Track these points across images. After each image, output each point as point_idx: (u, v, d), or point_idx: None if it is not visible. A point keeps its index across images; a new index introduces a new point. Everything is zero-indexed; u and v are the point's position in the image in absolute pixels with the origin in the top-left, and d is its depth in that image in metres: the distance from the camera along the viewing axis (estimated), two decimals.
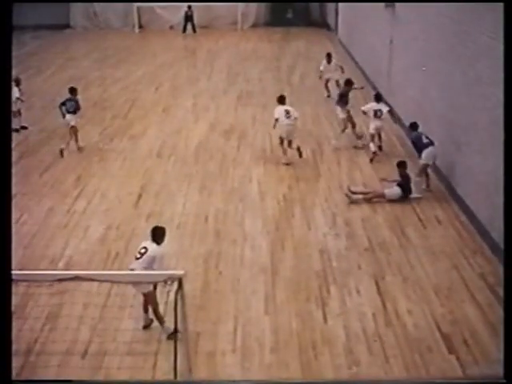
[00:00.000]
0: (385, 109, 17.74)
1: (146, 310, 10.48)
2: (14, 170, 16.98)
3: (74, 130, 18.45)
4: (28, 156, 18.43)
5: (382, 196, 14.94)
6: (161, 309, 10.13)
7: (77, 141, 18.57)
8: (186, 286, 8.76)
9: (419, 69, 17.73)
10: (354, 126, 18.72)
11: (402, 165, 15.16)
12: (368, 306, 10.99)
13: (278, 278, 11.90)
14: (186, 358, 9.09)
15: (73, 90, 18.93)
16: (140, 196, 15.59)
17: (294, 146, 17.32)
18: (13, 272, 9.66)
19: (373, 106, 17.72)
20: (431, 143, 15.13)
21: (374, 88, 23.55)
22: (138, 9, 40.59)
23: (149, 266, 9.87)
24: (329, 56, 23.97)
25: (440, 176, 15.71)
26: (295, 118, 17.37)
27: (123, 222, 14.22)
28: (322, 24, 39.78)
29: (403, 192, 14.91)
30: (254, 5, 40.98)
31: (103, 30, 41.50)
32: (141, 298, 10.50)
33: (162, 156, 18.24)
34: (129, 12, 41.17)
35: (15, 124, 19.84)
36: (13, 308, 10.66)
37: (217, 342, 10.13)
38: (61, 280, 9.83)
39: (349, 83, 19.45)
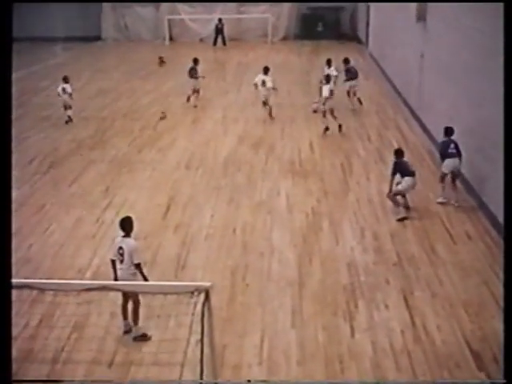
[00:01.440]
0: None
1: (125, 316, 10.55)
2: (43, 180, 17.33)
3: (198, 91, 24.97)
4: (57, 166, 18.56)
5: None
6: (187, 320, 10.05)
7: (196, 98, 24.98)
8: (213, 298, 8.74)
9: (450, 83, 17.61)
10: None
11: (396, 153, 15.36)
12: (396, 322, 10.85)
13: (305, 292, 11.81)
14: (212, 369, 9.03)
15: (196, 61, 25.24)
16: (168, 207, 15.60)
17: (268, 105, 22.87)
18: (40, 281, 9.76)
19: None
20: (456, 154, 15.09)
21: (405, 102, 23.47)
22: (169, 21, 40.98)
23: (131, 262, 10.15)
24: (329, 61, 24.44)
25: (470, 190, 15.54)
26: (268, 88, 22.53)
27: (151, 233, 14.23)
28: (353, 37, 39.77)
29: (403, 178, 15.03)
30: (284, 18, 41.18)
31: (134, 42, 41.96)
32: (121, 301, 10.54)
33: (191, 168, 18.26)
34: (159, 24, 41.59)
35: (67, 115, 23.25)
36: (40, 317, 10.86)
37: (243, 355, 10.07)
38: (88, 290, 9.84)
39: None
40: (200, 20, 41.74)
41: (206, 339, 8.81)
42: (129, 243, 10.28)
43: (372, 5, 34.21)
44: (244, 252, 13.37)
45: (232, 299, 11.57)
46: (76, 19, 41.11)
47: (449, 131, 15.54)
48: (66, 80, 23.39)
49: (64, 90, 22.95)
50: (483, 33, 15.11)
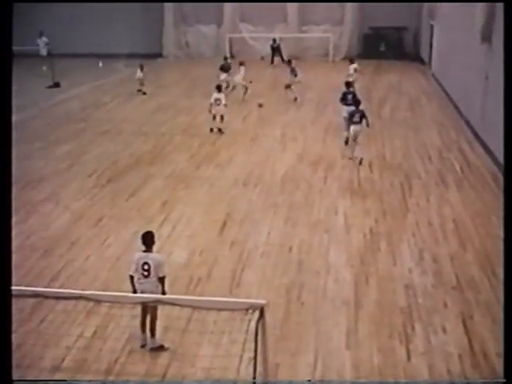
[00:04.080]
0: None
1: (144, 330, 10.55)
2: (101, 194, 17.50)
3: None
4: (116, 180, 18.73)
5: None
6: (241, 337, 9.96)
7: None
8: (267, 316, 8.61)
9: None
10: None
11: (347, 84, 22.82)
12: (454, 346, 10.56)
13: (361, 312, 11.61)
14: None
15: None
16: (224, 223, 15.57)
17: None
18: (96, 292, 9.78)
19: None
20: (359, 123, 19.81)
21: (468, 124, 23.08)
22: (230, 39, 41.30)
23: (157, 277, 10.23)
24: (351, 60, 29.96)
25: None
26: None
27: (207, 249, 14.21)
28: (415, 57, 39.41)
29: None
30: (346, 37, 41.13)
31: (195, 59, 42.35)
32: (140, 315, 10.58)
33: (248, 184, 18.23)
34: (220, 42, 41.95)
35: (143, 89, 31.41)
36: (94, 328, 10.89)
37: (296, 374, 9.90)
38: (142, 303, 9.85)
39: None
40: (261, 38, 41.98)
41: (259, 357, 8.71)
42: (155, 258, 10.33)
43: (436, 25, 33.89)
44: (300, 270, 13.23)
45: (286, 317, 11.44)
46: (138, 36, 41.75)
47: (357, 103, 20.49)
48: (141, 67, 31.37)
49: (142, 68, 31.55)
50: None
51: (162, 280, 10.23)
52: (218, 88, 23.95)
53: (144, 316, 10.50)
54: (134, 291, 10.23)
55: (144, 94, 31.18)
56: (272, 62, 40.24)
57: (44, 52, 38.20)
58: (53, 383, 9.60)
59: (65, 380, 9.63)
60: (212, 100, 23.53)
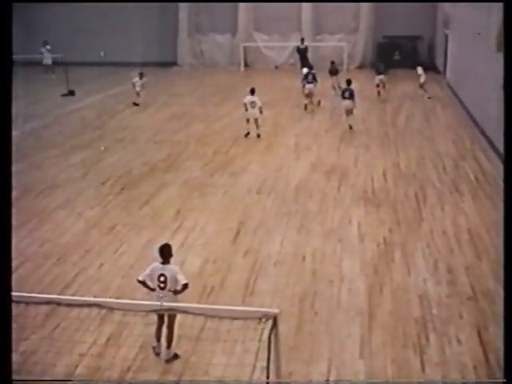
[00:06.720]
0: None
1: (159, 339, 10.52)
2: (115, 201, 17.52)
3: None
4: (130, 188, 18.76)
5: None
6: (254, 346, 9.92)
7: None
8: (280, 325, 8.57)
9: None
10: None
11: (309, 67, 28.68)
12: (469, 357, 10.46)
13: (375, 323, 11.54)
14: None
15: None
16: (238, 232, 15.55)
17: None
18: (110, 300, 9.79)
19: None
20: (349, 99, 24.67)
21: (483, 133, 22.97)
22: (244, 48, 41.37)
23: (174, 290, 10.12)
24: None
25: None
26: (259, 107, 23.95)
27: (220, 257, 14.19)
28: (430, 66, 39.23)
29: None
30: (360, 46, 41.13)
31: (209, 68, 42.49)
32: (156, 324, 10.53)
33: (262, 193, 18.20)
34: (235, 51, 42.08)
35: (137, 101, 30.54)
36: (108, 335, 10.88)
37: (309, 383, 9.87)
38: (156, 311, 9.83)
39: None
40: (275, 47, 42.04)
41: (272, 366, 8.67)
42: (172, 269, 10.26)
43: (450, 34, 33.84)
44: (313, 279, 13.17)
45: (300, 327, 11.39)
46: (153, 45, 41.95)
47: (348, 82, 25.21)
48: (140, 75, 30.50)
49: (135, 82, 30.48)
50: None
51: (185, 287, 10.09)
52: (252, 91, 23.89)
53: (160, 325, 10.48)
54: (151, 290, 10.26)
55: (136, 104, 30.48)
56: (302, 67, 39.44)
57: (49, 61, 38.64)
58: (52, 383, 9.62)
59: (64, 380, 9.64)
60: (247, 102, 23.85)
